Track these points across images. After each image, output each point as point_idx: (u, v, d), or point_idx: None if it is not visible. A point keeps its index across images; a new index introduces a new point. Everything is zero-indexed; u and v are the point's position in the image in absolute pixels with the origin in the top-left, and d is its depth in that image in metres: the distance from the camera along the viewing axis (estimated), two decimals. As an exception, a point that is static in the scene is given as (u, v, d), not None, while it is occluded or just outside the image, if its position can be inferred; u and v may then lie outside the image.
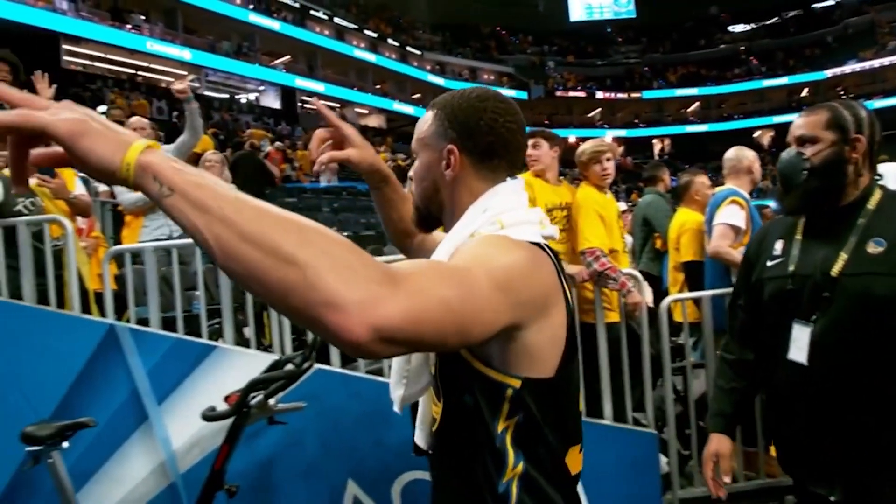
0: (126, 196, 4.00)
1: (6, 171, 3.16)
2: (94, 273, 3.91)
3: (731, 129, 35.28)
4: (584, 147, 3.36)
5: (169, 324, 3.07)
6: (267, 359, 2.89)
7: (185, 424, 2.85)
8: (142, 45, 22.39)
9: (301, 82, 27.21)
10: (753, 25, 38.69)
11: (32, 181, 3.36)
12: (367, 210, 12.32)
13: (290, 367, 2.43)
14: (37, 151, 0.69)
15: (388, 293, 0.64)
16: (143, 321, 3.03)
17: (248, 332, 3.16)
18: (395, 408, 1.10)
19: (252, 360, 2.86)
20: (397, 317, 0.64)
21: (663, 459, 3.22)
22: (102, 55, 22.64)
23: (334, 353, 2.93)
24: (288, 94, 27.31)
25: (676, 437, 3.22)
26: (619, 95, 39.34)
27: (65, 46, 20.53)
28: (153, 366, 2.84)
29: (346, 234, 9.35)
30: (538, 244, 1.00)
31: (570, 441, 1.04)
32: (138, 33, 22.61)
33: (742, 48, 39.01)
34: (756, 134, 35.39)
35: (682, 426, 3.35)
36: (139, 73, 24.08)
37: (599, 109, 39.72)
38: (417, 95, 34.41)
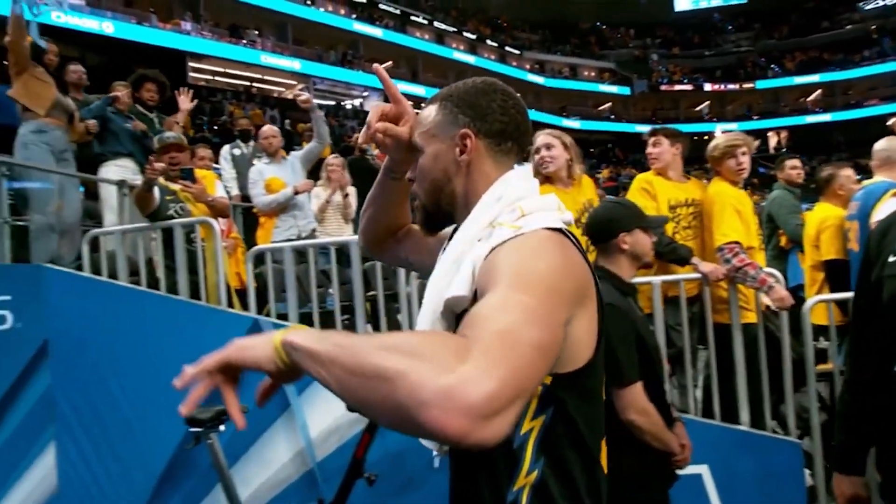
0: (261, 199, 4.28)
1: (161, 181, 3.47)
2: (233, 271, 4.21)
3: (861, 117, 32.36)
4: (717, 141, 3.21)
5: (304, 319, 3.24)
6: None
7: (323, 414, 3.00)
8: (256, 58, 23.82)
9: (402, 87, 27.82)
10: (887, 2, 35.28)
11: (176, 186, 3.68)
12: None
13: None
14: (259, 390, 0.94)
15: (470, 369, 0.63)
16: (282, 316, 3.22)
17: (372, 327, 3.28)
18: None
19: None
20: (490, 386, 0.62)
21: (806, 472, 3.02)
22: (222, 70, 24.29)
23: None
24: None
25: (822, 449, 3.00)
26: (730, 87, 37.21)
27: (190, 64, 22.21)
28: (294, 358, 3.01)
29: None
30: (560, 230, 0.98)
31: (602, 433, 1.02)
32: (253, 48, 24.08)
33: (873, 27, 35.70)
34: (890, 122, 32.28)
35: (828, 437, 3.12)
36: (254, 84, 25.62)
37: (708, 102, 37.76)
38: (517, 95, 34.27)
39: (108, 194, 4.38)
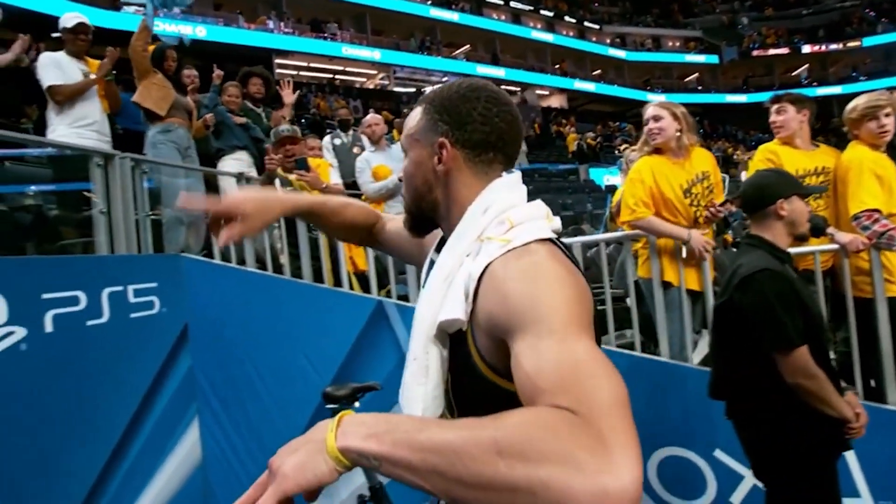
0: (370, 186, 4.39)
1: (280, 172, 3.62)
2: (347, 255, 4.36)
3: None
4: (857, 102, 2.99)
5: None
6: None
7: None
8: (338, 50, 24.36)
9: (482, 69, 27.74)
10: None
11: (292, 176, 3.83)
12: (561, 191, 12.26)
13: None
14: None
15: (610, 462, 0.60)
16: (403, 297, 3.31)
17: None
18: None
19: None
20: (635, 471, 0.60)
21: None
22: (306, 64, 25.01)
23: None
24: (470, 82, 27.99)
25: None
26: (833, 47, 34.50)
27: (277, 60, 23.00)
28: (416, 338, 3.10)
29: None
30: (551, 240, 0.94)
31: None
32: (334, 40, 24.63)
33: None
34: None
35: None
36: (336, 76, 26.24)
37: (807, 66, 35.26)
38: (598, 71, 33.32)
39: (228, 186, 4.63)
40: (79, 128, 3.69)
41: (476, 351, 0.92)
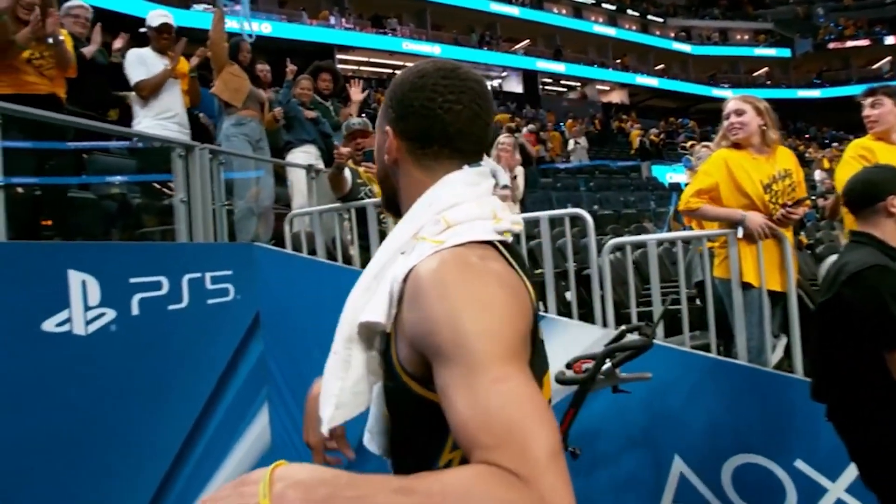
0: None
1: (351, 164, 3.66)
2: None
3: None
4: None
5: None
6: (590, 329, 2.95)
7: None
8: (398, 46, 24.57)
9: (542, 64, 27.47)
10: None
11: (360, 168, 3.87)
12: (624, 188, 12.02)
13: (634, 337, 2.44)
14: None
15: None
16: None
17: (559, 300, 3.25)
18: (323, 428, 0.94)
19: (576, 330, 2.95)
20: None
21: None
22: (366, 59, 25.35)
23: (659, 325, 2.88)
24: (529, 77, 27.76)
25: None
26: (918, 38, 32.51)
27: (338, 56, 23.39)
28: (483, 332, 3.08)
29: (606, 212, 9.25)
30: (491, 242, 0.86)
31: None
32: (395, 36, 24.85)
33: None
34: None
35: None
36: (396, 71, 26.42)
37: (888, 58, 33.32)
38: (661, 66, 32.43)
39: (297, 178, 4.73)
40: (162, 120, 3.85)
41: (396, 358, 0.86)
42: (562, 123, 19.87)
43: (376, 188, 3.86)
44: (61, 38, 3.28)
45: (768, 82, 34.07)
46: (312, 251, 3.68)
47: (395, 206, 1.02)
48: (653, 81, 30.61)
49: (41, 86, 3.22)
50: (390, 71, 26.22)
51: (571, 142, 14.89)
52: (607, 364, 2.34)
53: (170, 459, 2.84)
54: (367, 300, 0.90)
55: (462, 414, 0.70)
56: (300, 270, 3.46)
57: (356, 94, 5.21)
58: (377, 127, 1.01)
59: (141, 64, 3.84)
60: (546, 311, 3.10)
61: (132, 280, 2.67)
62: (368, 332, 0.90)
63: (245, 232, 4.19)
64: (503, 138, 4.94)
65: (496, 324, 0.74)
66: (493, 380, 0.70)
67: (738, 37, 34.79)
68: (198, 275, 3.04)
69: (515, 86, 28.08)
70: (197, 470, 2.99)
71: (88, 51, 4.25)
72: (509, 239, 0.93)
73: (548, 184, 11.24)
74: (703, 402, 2.81)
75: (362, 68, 25.53)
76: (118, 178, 3.80)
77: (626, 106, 29.47)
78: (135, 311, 2.65)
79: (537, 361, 0.88)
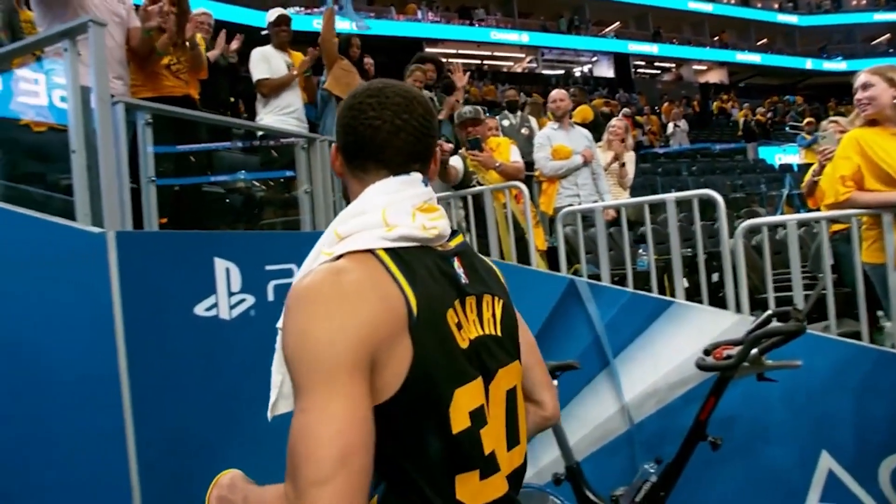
0: (549, 164, 4.34)
1: (462, 151, 3.67)
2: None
3: None
4: None
5: (618, 279, 3.22)
6: (723, 315, 2.81)
7: (641, 377, 2.95)
8: (486, 35, 24.48)
9: (634, 46, 26.53)
10: None
11: (461, 152, 3.88)
12: (729, 171, 11.41)
13: (778, 322, 2.29)
14: None
15: None
16: (594, 276, 3.23)
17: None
18: (268, 414, 1.03)
19: (709, 316, 2.81)
20: None
21: None
22: (454, 51, 25.42)
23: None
24: (621, 60, 26.89)
25: None
26: None
27: (427, 49, 23.60)
28: (610, 319, 3.01)
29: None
30: (373, 251, 0.92)
31: (453, 468, 0.92)
32: (482, 26, 24.76)
33: None
34: None
35: None
36: (484, 62, 26.40)
37: None
38: (763, 41, 30.45)
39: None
40: (283, 115, 4.02)
41: None
42: (656, 107, 19.12)
43: (489, 176, 3.86)
44: (196, 42, 3.49)
45: (890, 50, 31.14)
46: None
47: None
48: (755, 58, 28.79)
49: (178, 88, 3.44)
50: (478, 62, 26.18)
51: (671, 125, 14.28)
52: (753, 351, 2.22)
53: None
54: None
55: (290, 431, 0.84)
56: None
57: (460, 79, 5.21)
58: None
59: (264, 61, 4.03)
60: (674, 296, 2.98)
61: (268, 267, 2.79)
62: None
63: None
64: (615, 121, 4.82)
65: (311, 356, 0.83)
66: (298, 409, 0.83)
67: (854, 2, 32.03)
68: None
69: (606, 70, 27.29)
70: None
71: (213, 55, 4.50)
72: (413, 244, 0.95)
73: (648, 169, 10.82)
74: (855, 394, 2.61)
75: (451, 60, 25.57)
76: (242, 175, 4.00)
77: (725, 86, 27.93)
78: (270, 297, 2.77)
79: (440, 369, 0.91)
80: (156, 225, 2.69)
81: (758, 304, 3.01)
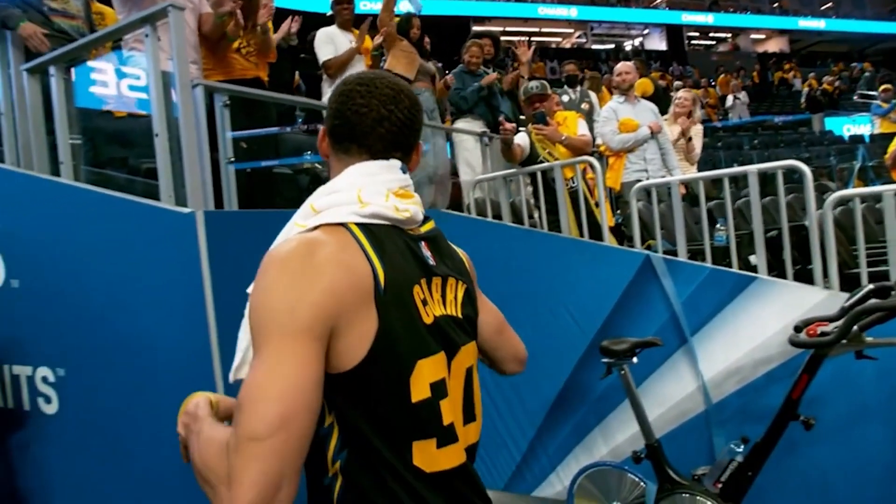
0: (615, 138, 4.24)
1: (530, 127, 3.60)
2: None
3: None
4: None
5: (695, 254, 3.13)
6: (811, 291, 2.70)
7: (721, 354, 2.87)
8: (534, 11, 23.99)
9: (688, 17, 25.54)
10: None
11: (528, 127, 3.82)
12: (794, 144, 10.94)
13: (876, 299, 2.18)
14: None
15: (230, 495, 0.80)
16: (670, 252, 3.15)
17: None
18: (230, 376, 1.06)
19: (795, 292, 2.70)
20: (243, 498, 0.78)
21: None
22: (502, 28, 25.04)
23: None
24: (673, 32, 25.96)
25: None
26: None
27: (475, 28, 23.33)
28: (688, 295, 2.93)
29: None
30: (345, 224, 0.97)
31: (410, 435, 0.95)
32: (529, 2, 24.26)
33: None
34: None
35: None
36: (532, 38, 25.92)
37: None
38: (828, 5, 28.86)
39: (464, 148, 4.77)
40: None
41: None
42: (711, 79, 18.42)
43: (557, 151, 3.79)
44: (267, 27, 3.53)
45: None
46: (498, 216, 3.70)
47: None
48: (818, 23, 27.29)
49: (248, 71, 3.49)
50: (525, 38, 25.71)
51: (730, 97, 13.75)
52: (853, 328, 2.12)
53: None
54: None
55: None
56: (486, 235, 3.49)
57: (524, 54, 5.13)
58: None
59: (329, 42, 4.05)
60: (757, 271, 2.88)
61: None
62: None
63: (422, 200, 4.30)
64: (682, 93, 4.66)
65: (269, 315, 0.88)
66: (252, 366, 0.87)
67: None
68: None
69: (658, 43, 26.39)
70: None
71: (275, 38, 4.54)
72: (384, 223, 1.00)
73: (707, 143, 10.42)
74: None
75: (484, 41, 25.25)
76: (308, 156, 4.06)
77: (785, 54, 26.66)
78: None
79: (404, 340, 0.95)
80: (235, 205, 2.75)
81: (849, 280, 2.88)
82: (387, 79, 1.07)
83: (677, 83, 14.44)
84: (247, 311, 0.99)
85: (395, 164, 1.07)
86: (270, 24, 3.74)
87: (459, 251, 1.24)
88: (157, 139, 2.45)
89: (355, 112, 1.04)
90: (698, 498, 2.45)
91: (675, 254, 3.11)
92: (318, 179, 4.26)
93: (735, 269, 2.91)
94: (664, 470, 2.58)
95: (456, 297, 1.09)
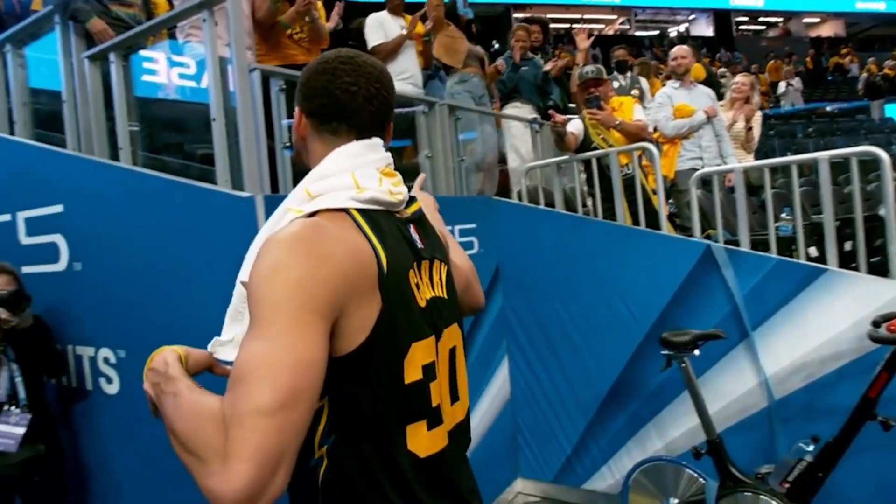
0: (669, 124, 4.11)
1: (584, 112, 3.51)
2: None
3: None
4: None
5: (758, 244, 3.01)
6: (889, 285, 2.56)
7: (787, 350, 2.75)
8: (574, -3, 23.57)
9: (737, 1, 24.73)
10: None
11: (582, 113, 3.71)
12: (852, 132, 10.49)
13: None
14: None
15: (224, 471, 0.75)
16: (731, 242, 3.03)
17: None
18: (210, 349, 1.06)
19: (870, 285, 2.57)
20: (241, 482, 0.73)
21: None
22: (543, 15, 24.69)
23: None
24: (721, 17, 25.18)
25: None
26: None
27: (515, 15, 23.06)
28: (751, 287, 2.82)
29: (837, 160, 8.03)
30: (346, 210, 0.96)
31: (405, 418, 0.97)
32: (571, -13, 23.85)
33: None
34: None
35: None
36: (573, 25, 25.49)
37: None
38: (887, -14, 27.56)
39: (512, 135, 4.69)
40: (399, 81, 4.00)
41: None
42: (760, 66, 17.81)
43: (612, 138, 3.70)
44: (317, 14, 3.51)
45: None
46: (551, 203, 3.63)
47: None
48: (878, 5, 26.09)
49: (301, 56, 3.48)
50: (567, 25, 25.30)
51: (782, 84, 13.28)
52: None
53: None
54: (249, 262, 0.98)
55: (235, 360, 0.84)
56: (540, 223, 3.42)
57: (582, 41, 5.03)
58: (295, 108, 1.10)
59: (379, 27, 4.02)
60: (826, 263, 2.75)
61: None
62: None
63: (470, 187, 4.25)
64: (739, 78, 4.49)
65: (284, 288, 0.84)
66: (255, 337, 0.83)
67: None
68: (448, 227, 3.11)
69: (705, 29, 25.64)
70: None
71: (329, 25, 4.53)
72: (379, 208, 1.00)
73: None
74: None
75: (531, 27, 24.92)
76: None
77: (840, 39, 25.60)
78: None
79: (402, 323, 0.95)
80: (290, 189, 2.75)
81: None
82: (365, 56, 1.07)
83: (721, 70, 13.99)
84: (236, 297, 1.03)
85: (378, 142, 1.07)
86: (322, 11, 3.72)
87: (435, 226, 1.20)
88: (215, 124, 2.46)
89: (345, 91, 1.02)
90: (763, 497, 2.37)
91: (735, 244, 2.99)
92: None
93: (803, 261, 2.78)
94: (726, 467, 2.49)
95: (441, 279, 1.10)
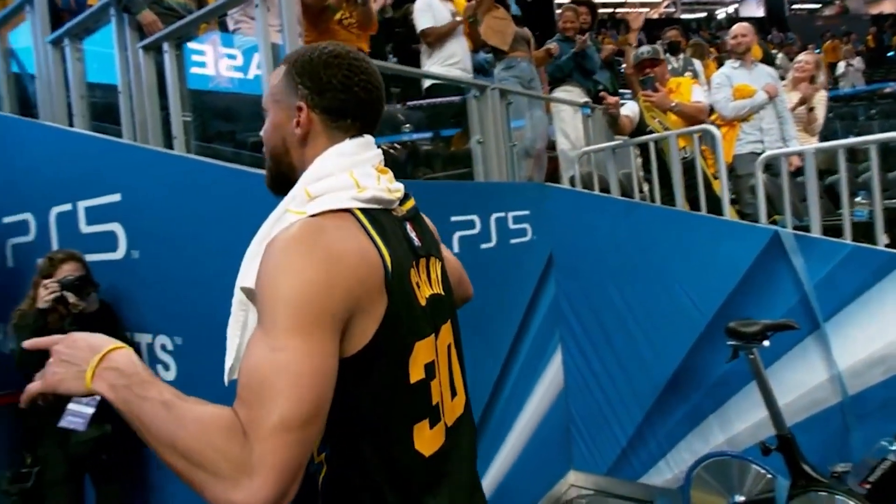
0: (728, 105, 3.94)
1: (639, 94, 3.38)
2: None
3: None
4: None
5: (830, 230, 2.86)
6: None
7: (863, 342, 2.60)
8: (620, -20, 23.01)
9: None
10: None
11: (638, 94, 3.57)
12: (918, 113, 9.94)
13: None
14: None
15: (249, 484, 0.73)
16: (802, 228, 2.88)
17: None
18: (224, 378, 0.99)
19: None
20: (267, 494, 0.72)
21: None
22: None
23: None
24: (773, -3, 24.26)
25: None
26: None
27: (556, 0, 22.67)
28: (822, 276, 2.67)
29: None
30: (349, 210, 0.93)
31: (411, 418, 0.94)
32: (616, -31, 23.30)
33: None
34: None
35: None
36: (616, 10, 24.92)
37: None
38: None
39: (561, 119, 4.57)
40: (447, 66, 3.94)
41: None
42: (815, 46, 17.03)
43: (668, 121, 3.56)
44: (367, -1, 3.47)
45: None
46: (605, 189, 3.52)
47: (284, 184, 1.01)
48: (943, -19, 24.71)
49: (350, 42, 3.45)
50: (611, 10, 24.75)
51: (842, 64, 12.68)
52: None
53: (486, 397, 2.93)
54: (250, 266, 0.94)
55: (244, 367, 0.80)
56: (594, 209, 3.32)
57: (635, 20, 4.87)
58: (274, 103, 1.03)
59: (427, 10, 3.95)
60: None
61: (452, 219, 2.74)
62: (252, 296, 0.94)
63: (519, 173, 4.17)
64: (803, 56, 4.27)
65: (296, 294, 0.81)
66: (272, 348, 0.78)
67: None
68: (502, 214, 3.05)
69: (755, 9, 24.70)
70: (506, 407, 3.06)
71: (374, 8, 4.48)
72: (379, 206, 0.97)
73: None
74: None
75: (581, 8, 24.45)
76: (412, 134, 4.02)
77: (902, 17, 24.33)
78: (455, 248, 2.73)
79: (405, 323, 0.92)
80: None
81: None
82: (361, 52, 1.06)
83: (774, 52, 13.42)
84: (235, 308, 0.97)
85: (370, 139, 1.05)
86: (372, -4, 3.68)
87: (429, 222, 1.17)
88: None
89: (364, 87, 1.01)
90: (840, 497, 2.24)
91: (803, 230, 2.84)
92: (416, 154, 4.21)
93: (882, 247, 2.61)
94: (798, 464, 2.37)
95: (437, 275, 1.08)
